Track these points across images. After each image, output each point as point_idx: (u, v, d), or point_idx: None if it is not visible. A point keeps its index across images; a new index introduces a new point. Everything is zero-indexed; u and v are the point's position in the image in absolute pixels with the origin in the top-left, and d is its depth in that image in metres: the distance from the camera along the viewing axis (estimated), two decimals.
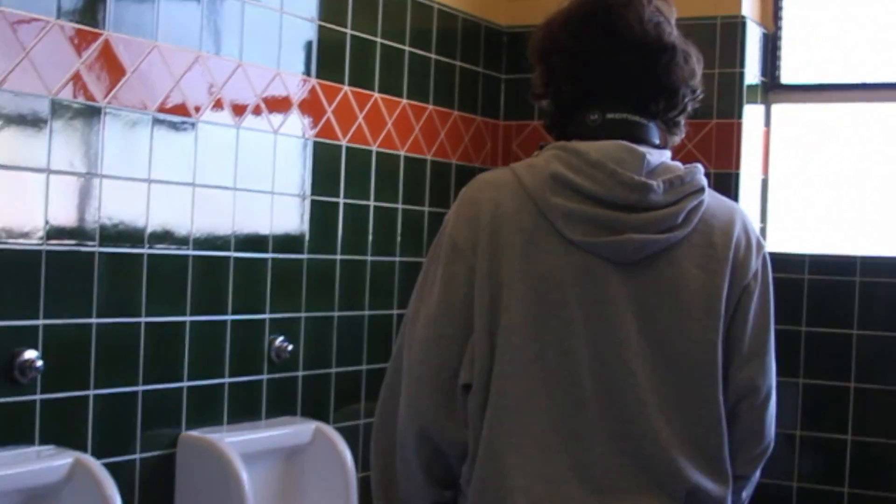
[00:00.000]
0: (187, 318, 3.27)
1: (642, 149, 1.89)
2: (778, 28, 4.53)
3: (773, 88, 4.54)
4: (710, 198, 1.94)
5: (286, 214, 3.63)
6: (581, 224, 1.82)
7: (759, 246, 1.97)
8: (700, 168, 1.94)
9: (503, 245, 1.84)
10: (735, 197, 4.30)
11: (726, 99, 4.33)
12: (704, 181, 1.92)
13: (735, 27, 4.31)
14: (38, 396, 2.84)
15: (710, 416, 1.87)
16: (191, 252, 3.27)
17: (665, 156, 1.94)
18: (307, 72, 3.69)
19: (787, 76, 4.55)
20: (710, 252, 1.88)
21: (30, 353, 2.80)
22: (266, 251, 3.55)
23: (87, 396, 2.97)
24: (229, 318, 3.42)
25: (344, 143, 3.85)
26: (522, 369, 1.82)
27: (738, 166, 4.31)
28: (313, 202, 3.73)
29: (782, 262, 4.27)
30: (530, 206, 1.85)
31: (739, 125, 4.32)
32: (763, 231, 4.54)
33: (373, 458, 2.04)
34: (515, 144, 4.67)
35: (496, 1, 4.64)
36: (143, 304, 3.13)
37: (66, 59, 2.88)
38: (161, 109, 3.15)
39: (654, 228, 1.84)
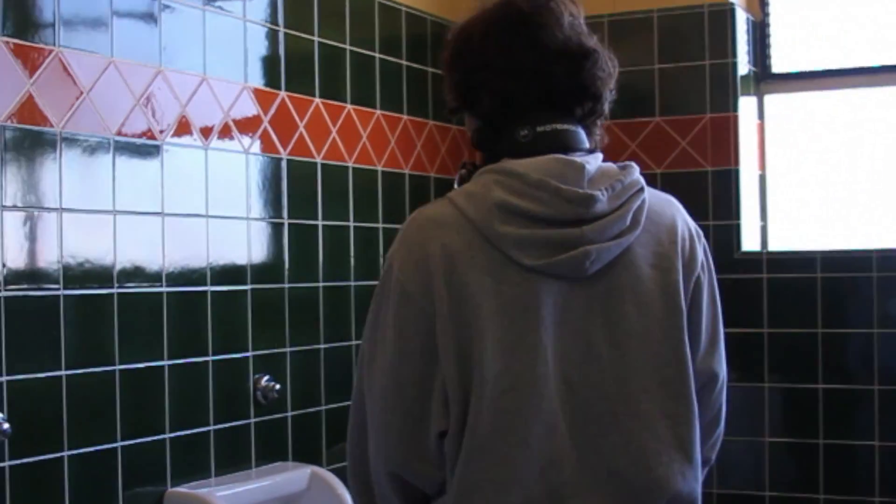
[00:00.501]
0: (165, 363, 2.94)
1: (579, 159, 1.84)
2: (765, 14, 4.28)
3: (764, 78, 4.29)
4: (649, 194, 1.89)
5: (263, 241, 3.32)
6: (534, 248, 1.78)
7: (699, 235, 1.95)
8: (636, 167, 1.89)
9: (460, 284, 1.78)
10: (737, 196, 4.04)
11: (719, 92, 4.08)
12: (642, 179, 1.88)
13: (724, 15, 4.06)
14: (6, 463, 2.51)
15: (687, 412, 1.85)
16: (164, 289, 2.95)
17: (598, 159, 1.89)
18: (275, 84, 3.38)
19: (777, 65, 4.30)
20: (659, 250, 1.86)
21: None
22: (245, 282, 3.23)
23: (61, 458, 2.64)
24: (210, 358, 3.10)
25: (319, 160, 3.54)
26: (495, 405, 1.77)
27: (737, 163, 4.05)
28: (291, 226, 3.41)
29: (792, 261, 4.01)
30: (479, 240, 1.79)
31: (735, 118, 4.06)
32: (764, 229, 4.27)
33: (354, 500, 2.00)
34: None
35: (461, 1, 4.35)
36: (117, 351, 2.80)
37: (15, 81, 2.56)
38: (122, 133, 2.83)
39: (605, 236, 1.80)
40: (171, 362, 2.95)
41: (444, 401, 1.79)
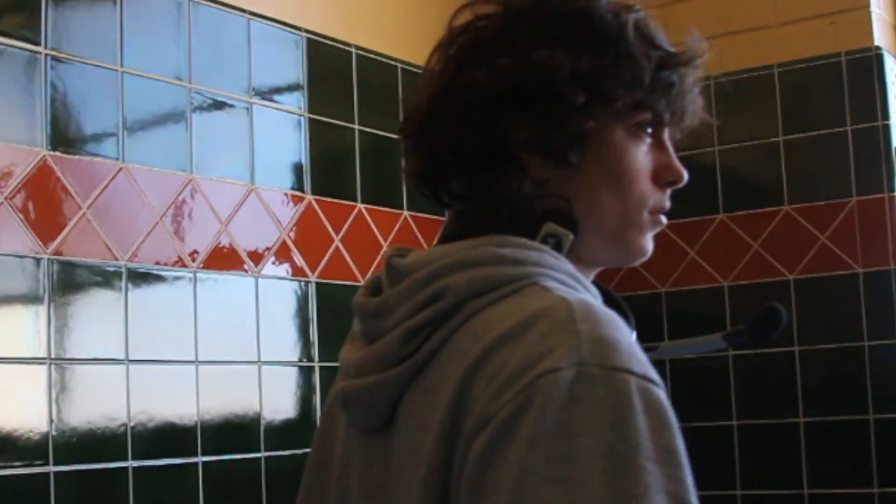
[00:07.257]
0: None
1: (405, 257, 1.26)
2: None
3: None
4: (512, 300, 1.13)
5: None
6: (342, 378, 1.29)
7: (537, 371, 1.04)
8: (486, 252, 1.16)
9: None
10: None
11: (867, 167, 3.10)
12: (475, 274, 1.15)
13: (868, 62, 3.08)
14: None
15: None
16: None
17: (452, 248, 1.19)
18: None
19: None
20: (433, 398, 1.14)
21: None
22: None
23: None
24: None
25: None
26: None
27: None
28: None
29: None
30: None
31: (892, 200, 3.08)
32: None
33: None
34: None
35: None
36: None
37: None
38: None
39: (370, 369, 1.20)
40: None
41: None
